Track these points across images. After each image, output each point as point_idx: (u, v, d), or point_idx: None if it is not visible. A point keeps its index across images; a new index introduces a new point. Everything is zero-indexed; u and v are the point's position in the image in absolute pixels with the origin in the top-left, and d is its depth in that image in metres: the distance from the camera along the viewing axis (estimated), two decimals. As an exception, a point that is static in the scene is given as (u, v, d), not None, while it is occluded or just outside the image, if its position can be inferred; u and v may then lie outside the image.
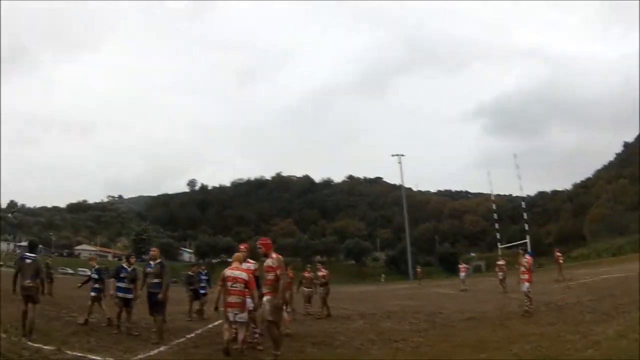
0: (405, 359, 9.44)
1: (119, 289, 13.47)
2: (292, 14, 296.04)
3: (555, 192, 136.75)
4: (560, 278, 29.32)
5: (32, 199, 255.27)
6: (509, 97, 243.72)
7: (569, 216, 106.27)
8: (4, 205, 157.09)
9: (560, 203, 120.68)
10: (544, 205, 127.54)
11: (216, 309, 10.20)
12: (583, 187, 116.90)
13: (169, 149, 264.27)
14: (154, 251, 13.15)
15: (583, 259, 67.33)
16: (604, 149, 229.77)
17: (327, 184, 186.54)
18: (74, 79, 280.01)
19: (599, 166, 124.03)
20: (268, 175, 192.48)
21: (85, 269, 68.92)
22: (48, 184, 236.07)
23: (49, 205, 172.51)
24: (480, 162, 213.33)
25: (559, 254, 32.81)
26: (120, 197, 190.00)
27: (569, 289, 22.65)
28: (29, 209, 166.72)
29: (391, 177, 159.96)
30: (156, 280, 11.98)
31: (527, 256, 16.35)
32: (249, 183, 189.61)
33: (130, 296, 13.19)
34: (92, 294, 14.93)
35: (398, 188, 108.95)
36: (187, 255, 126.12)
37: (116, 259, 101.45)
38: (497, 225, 76.99)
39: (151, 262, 12.58)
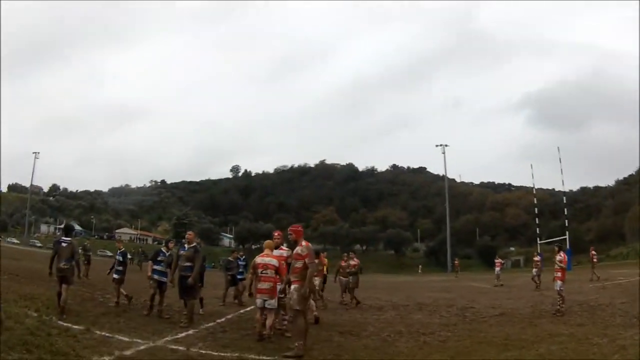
0: (429, 352, 9.40)
1: (155, 271, 13.70)
2: (339, 5, 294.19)
3: (597, 188, 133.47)
4: (594, 277, 29.06)
5: (75, 183, 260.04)
6: (554, 88, 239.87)
7: (609, 213, 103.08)
8: (46, 189, 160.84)
9: (601, 199, 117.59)
10: (586, 201, 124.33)
11: (250, 294, 10.39)
12: (625, 184, 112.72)
13: (214, 135, 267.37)
14: (190, 235, 13.21)
15: (622, 258, 65.96)
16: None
17: (371, 172, 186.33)
18: (121, 69, 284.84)
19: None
20: (312, 162, 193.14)
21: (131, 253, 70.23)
22: (91, 170, 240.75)
23: (92, 189, 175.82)
24: (524, 154, 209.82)
25: (594, 252, 32.37)
26: (163, 182, 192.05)
27: (603, 289, 22.39)
28: (71, 192, 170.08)
29: (435, 168, 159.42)
30: (188, 264, 12.06)
31: (562, 253, 16.11)
32: (292, 170, 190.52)
33: (164, 279, 13.39)
34: (115, 276, 15.32)
35: (441, 178, 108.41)
36: (227, 240, 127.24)
37: (156, 242, 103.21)
38: (537, 220, 75.71)
39: (185, 245, 12.72)
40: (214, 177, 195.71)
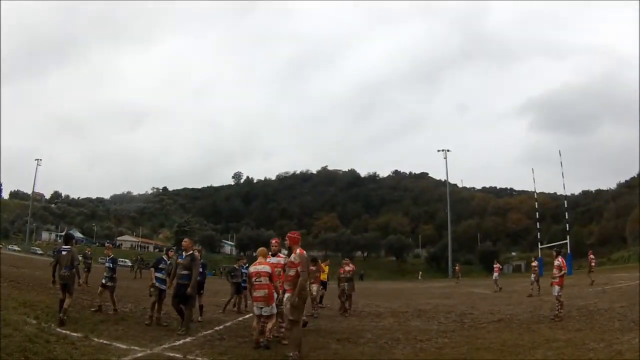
0: (425, 359, 9.48)
1: (156, 279, 13.72)
2: (344, 6, 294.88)
3: (599, 192, 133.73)
4: (590, 281, 29.16)
5: (77, 190, 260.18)
6: (557, 93, 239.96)
7: (611, 217, 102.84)
8: (47, 196, 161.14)
9: (603, 203, 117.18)
10: (588, 205, 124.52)
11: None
12: (627, 187, 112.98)
13: (216, 142, 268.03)
14: (185, 242, 13.09)
15: (623, 262, 65.88)
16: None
17: (373, 178, 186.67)
18: (123, 73, 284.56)
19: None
20: (314, 169, 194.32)
21: (125, 260, 70.50)
22: (93, 176, 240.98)
23: (93, 197, 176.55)
24: (526, 158, 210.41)
25: (592, 256, 32.41)
26: (164, 189, 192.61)
27: (603, 293, 22.37)
28: (73, 199, 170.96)
29: (437, 173, 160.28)
30: (185, 272, 12.03)
31: (560, 258, 16.10)
32: (294, 176, 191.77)
33: (164, 287, 13.42)
34: (109, 283, 15.18)
35: (443, 184, 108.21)
36: (229, 247, 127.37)
37: (157, 250, 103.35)
38: (538, 225, 75.61)
39: (183, 253, 12.70)
40: (215, 183, 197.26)
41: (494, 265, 37.04)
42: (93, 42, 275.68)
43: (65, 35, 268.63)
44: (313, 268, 16.49)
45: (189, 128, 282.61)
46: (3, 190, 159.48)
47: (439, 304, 22.85)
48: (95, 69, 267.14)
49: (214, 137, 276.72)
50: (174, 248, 19.38)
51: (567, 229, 65.19)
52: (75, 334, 9.97)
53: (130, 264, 51.89)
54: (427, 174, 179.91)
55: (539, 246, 68.78)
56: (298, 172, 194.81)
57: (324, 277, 19.99)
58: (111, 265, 15.57)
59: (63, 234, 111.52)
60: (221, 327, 13.46)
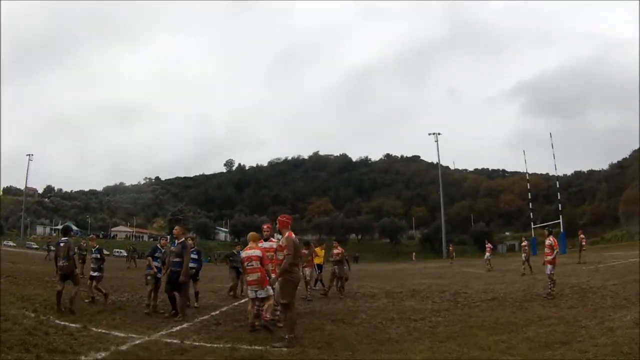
0: (419, 337, 9.55)
1: (150, 267, 13.87)
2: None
3: (591, 172, 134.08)
4: (581, 261, 29.59)
5: (69, 183, 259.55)
6: (547, 76, 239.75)
7: (603, 197, 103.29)
8: (40, 191, 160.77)
9: (595, 183, 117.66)
10: (580, 185, 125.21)
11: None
12: (619, 168, 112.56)
13: (207, 130, 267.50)
14: (176, 230, 13.16)
15: (616, 241, 66.35)
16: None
17: (364, 162, 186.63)
18: (113, 67, 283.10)
19: (636, 146, 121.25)
20: (305, 154, 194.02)
21: (121, 250, 70.58)
22: (85, 169, 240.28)
23: (86, 189, 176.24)
24: (518, 140, 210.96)
25: (582, 236, 32.65)
26: (157, 179, 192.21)
27: (596, 272, 22.56)
28: (66, 193, 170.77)
29: (429, 156, 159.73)
30: (177, 260, 12.10)
31: (551, 237, 16.25)
32: (286, 162, 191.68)
33: (159, 275, 13.54)
34: (96, 274, 15.20)
35: (435, 166, 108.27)
36: (223, 234, 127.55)
37: (152, 239, 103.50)
38: (530, 205, 75.98)
39: (175, 241, 12.81)
40: (208, 172, 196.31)
41: (486, 245, 37.20)
42: (83, 41, 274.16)
43: (55, 35, 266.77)
44: (305, 251, 16.61)
45: (180, 120, 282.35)
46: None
47: (432, 284, 23.02)
48: (85, 67, 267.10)
49: (205, 128, 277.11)
50: (168, 237, 19.43)
51: (560, 208, 65.55)
52: (73, 325, 10.04)
53: (125, 255, 51.96)
54: (418, 157, 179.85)
55: (532, 226, 69.22)
56: (290, 158, 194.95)
57: (319, 260, 20.07)
58: (98, 255, 15.57)
59: (58, 227, 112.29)
60: (217, 312, 13.59)
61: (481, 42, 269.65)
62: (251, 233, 11.29)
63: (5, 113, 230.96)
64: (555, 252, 15.81)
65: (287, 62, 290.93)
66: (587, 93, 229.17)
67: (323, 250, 20.97)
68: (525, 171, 77.17)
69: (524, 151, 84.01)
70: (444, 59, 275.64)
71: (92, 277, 15.10)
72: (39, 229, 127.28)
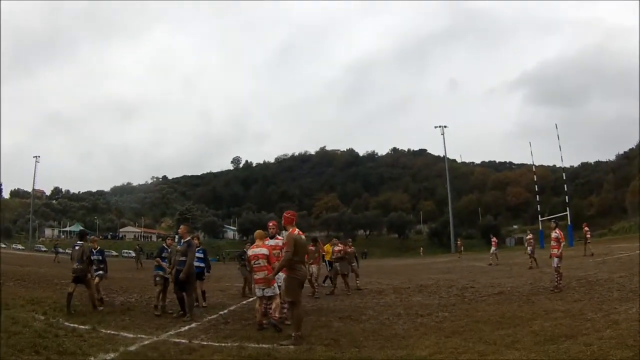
0: (425, 332, 9.61)
1: (160, 268, 13.88)
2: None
3: (598, 163, 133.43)
4: (587, 253, 29.53)
5: (77, 185, 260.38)
6: (551, 66, 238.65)
7: (610, 188, 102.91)
8: (48, 193, 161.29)
9: (602, 174, 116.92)
10: (587, 177, 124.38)
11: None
12: (626, 158, 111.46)
13: (213, 128, 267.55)
14: (181, 229, 13.29)
15: (624, 232, 65.98)
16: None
17: (371, 157, 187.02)
18: (115, 66, 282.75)
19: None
20: (312, 150, 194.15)
21: (129, 251, 70.93)
22: (92, 169, 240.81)
23: (93, 190, 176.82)
24: (524, 132, 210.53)
25: (586, 228, 32.64)
26: (164, 178, 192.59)
27: (603, 264, 22.52)
28: (73, 194, 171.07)
29: (435, 149, 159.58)
30: (182, 258, 12.15)
31: (557, 230, 16.25)
32: (292, 158, 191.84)
33: (168, 275, 13.63)
34: (100, 272, 15.18)
35: (442, 160, 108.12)
36: (231, 232, 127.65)
37: (160, 239, 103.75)
38: (537, 197, 75.71)
39: (181, 240, 12.90)
40: (215, 169, 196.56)
41: (492, 240, 37.22)
42: (79, 38, 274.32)
43: (54, 32, 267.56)
44: (312, 248, 16.67)
45: (183, 117, 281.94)
46: (3, 190, 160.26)
47: (440, 279, 23.10)
48: (83, 65, 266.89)
49: (208, 125, 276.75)
50: (176, 236, 19.48)
51: (567, 200, 65.34)
52: (83, 327, 10.11)
53: (134, 255, 52.31)
54: (425, 150, 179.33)
55: (539, 219, 68.96)
56: (296, 154, 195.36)
57: (329, 257, 20.16)
58: (100, 257, 15.55)
59: (67, 229, 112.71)
60: (226, 311, 13.66)
61: (482, 31, 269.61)
62: (257, 231, 11.43)
63: (9, 113, 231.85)
64: (562, 245, 15.82)
65: (288, 56, 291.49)
66: (591, 82, 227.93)
67: (331, 247, 21.03)
68: (531, 163, 76.95)
69: (530, 143, 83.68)
70: (446, 50, 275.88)
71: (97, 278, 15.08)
72: (48, 232, 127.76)
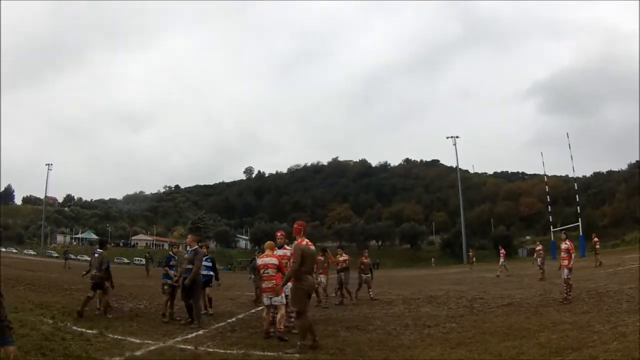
0: (431, 343, 9.58)
1: (167, 276, 13.99)
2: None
3: (610, 173, 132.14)
4: (597, 264, 29.43)
5: (89, 193, 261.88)
6: (563, 75, 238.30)
7: (623, 198, 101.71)
8: (60, 200, 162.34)
9: (615, 184, 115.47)
10: (600, 187, 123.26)
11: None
12: (638, 167, 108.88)
13: (226, 138, 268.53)
14: (189, 238, 13.73)
15: (636, 243, 65.36)
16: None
17: (384, 167, 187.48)
18: (127, 74, 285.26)
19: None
20: (325, 160, 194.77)
21: (141, 258, 71.36)
22: (104, 178, 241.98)
23: (106, 198, 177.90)
24: (536, 141, 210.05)
25: (596, 239, 32.54)
26: (176, 187, 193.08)
27: (614, 275, 22.38)
28: (86, 202, 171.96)
29: (448, 160, 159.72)
30: (189, 266, 12.31)
31: (567, 241, 16.18)
32: (305, 169, 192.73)
33: (176, 284, 13.69)
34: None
35: (455, 170, 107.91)
36: (243, 242, 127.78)
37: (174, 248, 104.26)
38: (549, 208, 75.30)
39: (188, 249, 13.04)
40: (227, 179, 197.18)
41: (500, 251, 37.08)
42: (91, 48, 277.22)
43: (64, 41, 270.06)
44: (321, 258, 16.72)
45: (195, 127, 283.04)
46: (16, 197, 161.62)
47: (450, 289, 23.05)
48: (95, 74, 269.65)
49: (220, 134, 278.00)
50: (186, 245, 19.55)
51: (579, 211, 64.98)
52: (90, 331, 10.20)
53: (144, 263, 52.60)
54: (438, 161, 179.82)
55: (551, 229, 68.58)
56: (309, 164, 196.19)
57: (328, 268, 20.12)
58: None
59: (78, 236, 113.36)
60: (234, 319, 13.75)
61: (495, 40, 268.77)
62: (268, 242, 11.51)
63: (21, 123, 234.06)
64: (572, 257, 15.75)
65: (300, 65, 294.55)
66: (603, 90, 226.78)
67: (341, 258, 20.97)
68: (544, 173, 76.63)
69: (541, 153, 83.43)
70: (458, 59, 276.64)
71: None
72: (59, 238, 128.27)
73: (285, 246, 11.77)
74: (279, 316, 10.55)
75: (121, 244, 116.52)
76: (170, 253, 15.03)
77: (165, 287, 13.85)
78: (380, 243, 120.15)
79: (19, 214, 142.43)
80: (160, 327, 11.85)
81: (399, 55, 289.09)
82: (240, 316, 14.44)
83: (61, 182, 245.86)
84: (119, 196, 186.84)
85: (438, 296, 19.81)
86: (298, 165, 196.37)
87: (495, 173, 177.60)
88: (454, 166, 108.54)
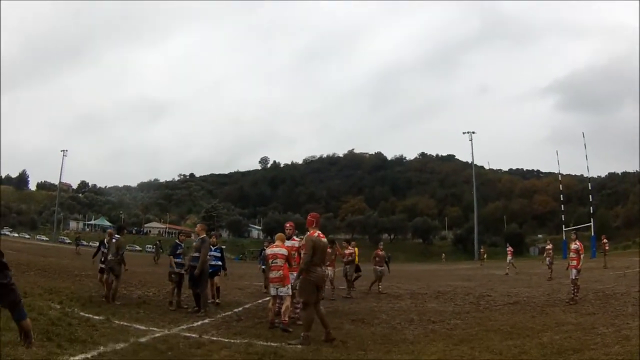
0: (434, 339, 9.61)
1: (176, 264, 13.98)
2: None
3: (625, 174, 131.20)
4: (607, 265, 29.44)
5: (104, 180, 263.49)
6: (582, 73, 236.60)
7: (637, 199, 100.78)
8: (75, 186, 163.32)
9: (629, 185, 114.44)
10: (614, 187, 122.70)
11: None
12: None
13: (242, 128, 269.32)
14: (198, 227, 13.95)
15: (648, 245, 64.97)
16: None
17: (399, 161, 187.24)
18: (145, 66, 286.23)
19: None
20: (340, 152, 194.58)
21: (152, 246, 71.96)
22: (119, 166, 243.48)
23: (120, 185, 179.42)
24: (553, 139, 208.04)
25: (605, 240, 32.52)
26: (191, 175, 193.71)
27: (623, 277, 22.25)
28: (100, 188, 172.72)
29: (464, 155, 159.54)
30: (196, 254, 12.49)
31: (577, 242, 16.12)
32: (321, 160, 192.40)
33: (183, 271, 13.79)
34: (102, 266, 14.93)
35: (470, 166, 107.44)
36: (256, 232, 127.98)
37: (184, 237, 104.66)
38: (562, 207, 74.88)
39: (197, 237, 13.16)
40: (242, 169, 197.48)
41: (507, 249, 36.92)
42: (110, 42, 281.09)
43: (82, 36, 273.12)
44: (329, 250, 16.77)
45: (211, 119, 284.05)
46: (30, 183, 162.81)
47: (459, 286, 23.07)
48: (113, 67, 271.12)
49: (236, 126, 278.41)
50: (183, 232, 19.63)
51: (591, 211, 64.60)
52: (97, 317, 10.33)
53: (152, 250, 52.92)
54: (453, 156, 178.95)
55: (564, 228, 68.21)
56: (325, 155, 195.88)
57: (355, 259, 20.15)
58: (104, 250, 15.28)
59: (91, 222, 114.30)
60: (240, 309, 13.85)
61: (513, 36, 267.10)
62: (279, 234, 11.60)
63: (39, 114, 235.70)
64: (581, 257, 15.71)
65: (318, 59, 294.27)
66: (622, 90, 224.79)
67: (356, 249, 20.98)
68: (558, 172, 76.19)
69: (557, 151, 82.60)
70: (476, 55, 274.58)
71: (102, 271, 14.95)
72: (72, 224, 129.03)
73: (294, 237, 11.91)
74: (283, 308, 10.60)
75: (134, 232, 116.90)
76: (177, 241, 14.95)
77: (173, 276, 13.90)
78: (392, 236, 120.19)
79: (33, 199, 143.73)
80: (167, 314, 11.96)
81: (417, 52, 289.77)
82: (247, 306, 14.55)
83: (76, 168, 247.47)
84: (133, 183, 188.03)
85: (446, 292, 19.85)
86: (314, 157, 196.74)
87: (510, 170, 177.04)
88: (470, 162, 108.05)
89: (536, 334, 9.81)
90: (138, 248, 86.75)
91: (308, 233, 9.80)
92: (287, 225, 12.12)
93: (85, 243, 60.85)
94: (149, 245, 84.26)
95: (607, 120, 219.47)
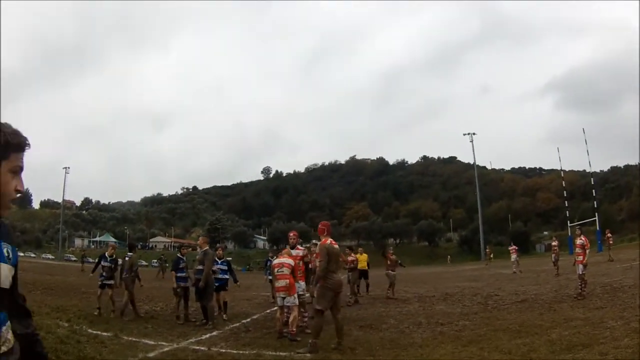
0: (442, 341, 9.62)
1: (179, 279, 13.98)
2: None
3: (627, 167, 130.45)
4: (611, 258, 29.38)
5: (107, 196, 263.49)
6: (581, 70, 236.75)
7: (639, 192, 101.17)
8: (78, 203, 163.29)
9: (632, 178, 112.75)
10: (617, 181, 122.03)
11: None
12: None
13: (240, 139, 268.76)
14: (200, 240, 13.93)
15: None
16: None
17: (401, 165, 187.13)
18: (146, 75, 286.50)
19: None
20: (342, 159, 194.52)
21: (157, 260, 71.91)
22: (122, 180, 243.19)
23: (124, 200, 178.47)
24: (554, 137, 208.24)
25: (609, 234, 32.51)
26: (194, 188, 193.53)
27: (630, 270, 22.18)
28: (104, 204, 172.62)
29: (465, 156, 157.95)
30: (199, 267, 12.55)
31: (582, 237, 16.11)
32: (323, 168, 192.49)
33: (188, 285, 13.78)
34: (106, 282, 14.88)
35: (472, 167, 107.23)
36: (261, 242, 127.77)
37: (190, 249, 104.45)
38: (566, 203, 74.74)
39: (200, 250, 13.20)
40: (245, 180, 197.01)
41: (510, 248, 36.73)
42: (110, 49, 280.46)
43: (82, 44, 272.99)
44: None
45: (213, 127, 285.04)
46: (33, 201, 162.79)
47: (466, 287, 22.98)
48: (114, 75, 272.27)
49: (238, 134, 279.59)
50: (185, 246, 19.54)
51: (596, 206, 64.51)
52: (105, 334, 10.36)
53: (157, 265, 52.86)
54: (455, 157, 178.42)
55: (569, 224, 68.08)
56: (327, 163, 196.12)
57: (363, 265, 20.20)
58: (112, 265, 15.24)
59: (96, 239, 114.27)
60: (248, 320, 13.86)
61: (511, 38, 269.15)
62: (285, 250, 11.71)
63: (38, 125, 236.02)
64: (587, 252, 15.68)
65: (317, 64, 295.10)
66: (620, 86, 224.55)
67: (364, 255, 20.96)
68: (560, 168, 76.13)
69: (557, 148, 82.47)
70: (476, 56, 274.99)
71: (102, 286, 14.82)
72: (77, 241, 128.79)
73: (298, 246, 11.92)
74: (291, 318, 10.58)
75: (139, 247, 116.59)
76: (179, 255, 14.93)
77: (178, 290, 13.87)
78: (398, 241, 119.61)
79: (36, 218, 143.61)
80: (175, 328, 11.99)
81: (416, 54, 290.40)
82: (255, 317, 14.55)
83: (79, 185, 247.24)
84: (136, 198, 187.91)
85: (453, 293, 19.79)
86: (316, 165, 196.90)
87: (512, 169, 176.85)
88: (471, 163, 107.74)
89: (545, 331, 9.82)
90: (144, 263, 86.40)
91: (320, 241, 9.89)
92: (291, 234, 12.19)
93: (91, 260, 60.51)
94: (154, 260, 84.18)
95: (606, 116, 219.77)
